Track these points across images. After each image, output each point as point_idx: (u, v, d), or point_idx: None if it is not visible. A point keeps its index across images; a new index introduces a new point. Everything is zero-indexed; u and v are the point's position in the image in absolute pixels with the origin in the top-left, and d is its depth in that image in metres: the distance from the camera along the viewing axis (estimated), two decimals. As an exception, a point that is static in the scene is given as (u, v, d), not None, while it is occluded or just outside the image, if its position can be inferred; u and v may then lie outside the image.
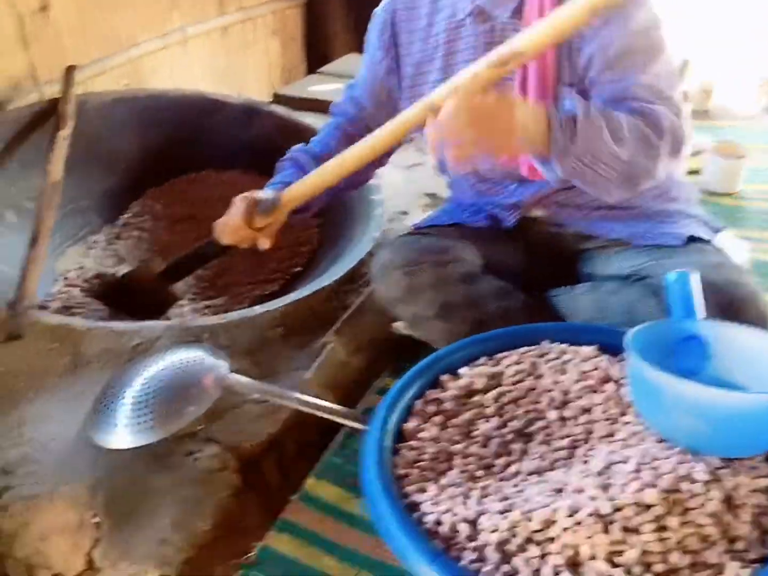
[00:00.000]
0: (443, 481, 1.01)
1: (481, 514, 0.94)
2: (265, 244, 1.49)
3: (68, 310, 1.85)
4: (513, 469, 1.04)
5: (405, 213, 2.18)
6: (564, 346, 1.22)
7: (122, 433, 1.30)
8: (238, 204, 1.47)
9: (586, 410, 1.11)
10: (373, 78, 1.52)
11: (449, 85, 1.22)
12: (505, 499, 0.97)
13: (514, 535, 0.90)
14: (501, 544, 0.90)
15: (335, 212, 2.07)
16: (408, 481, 1.02)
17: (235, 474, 1.33)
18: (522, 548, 0.90)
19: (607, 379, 1.14)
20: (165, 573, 1.18)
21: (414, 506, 0.98)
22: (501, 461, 1.05)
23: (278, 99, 2.90)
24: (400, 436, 1.10)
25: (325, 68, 3.23)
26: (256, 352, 1.59)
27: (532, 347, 1.23)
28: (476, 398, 1.15)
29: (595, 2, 1.09)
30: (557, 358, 1.19)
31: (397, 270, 1.41)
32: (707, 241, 1.37)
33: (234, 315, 1.66)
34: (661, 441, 1.01)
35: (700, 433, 0.96)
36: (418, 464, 1.04)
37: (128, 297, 1.88)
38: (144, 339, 1.56)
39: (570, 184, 1.27)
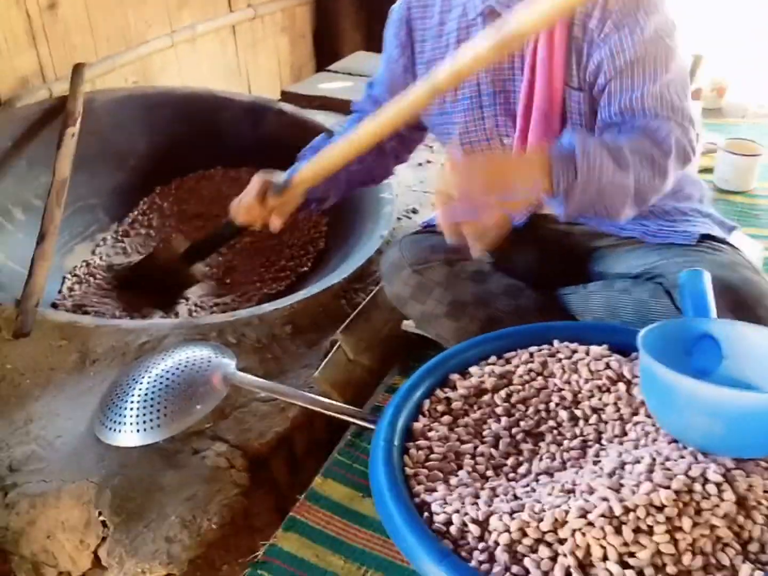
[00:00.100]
0: (452, 481, 1.00)
1: (490, 514, 0.93)
2: (276, 223, 1.49)
3: (81, 308, 1.86)
4: (523, 469, 1.03)
5: (415, 211, 2.17)
6: (575, 345, 1.20)
7: (130, 432, 1.30)
8: (254, 183, 1.49)
9: (597, 410, 1.10)
10: (390, 76, 1.51)
11: (451, 62, 1.20)
12: (515, 499, 0.96)
13: (524, 536, 0.89)
14: (511, 545, 0.89)
15: (344, 210, 2.06)
16: (417, 481, 1.01)
17: (242, 472, 1.33)
18: (532, 549, 0.88)
19: (618, 379, 1.13)
20: (171, 571, 1.18)
21: (423, 506, 0.97)
22: (511, 461, 1.04)
23: (287, 97, 2.90)
24: (409, 436, 1.09)
25: (334, 66, 3.22)
26: (264, 350, 1.59)
27: (543, 346, 1.21)
28: (486, 397, 1.14)
29: None
30: (568, 357, 1.18)
31: (406, 268, 1.40)
32: (721, 240, 1.35)
33: (242, 313, 1.66)
34: (673, 441, 1.00)
35: (713, 433, 0.94)
36: (427, 464, 1.03)
37: (150, 277, 1.92)
38: (152, 337, 1.56)
39: None
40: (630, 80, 1.22)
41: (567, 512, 0.89)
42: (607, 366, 1.14)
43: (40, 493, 1.25)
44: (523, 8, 1.08)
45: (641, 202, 1.20)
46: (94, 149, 2.09)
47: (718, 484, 0.90)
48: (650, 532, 0.86)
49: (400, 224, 2.07)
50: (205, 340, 1.55)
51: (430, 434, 1.08)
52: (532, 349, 1.21)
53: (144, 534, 1.21)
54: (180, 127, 2.32)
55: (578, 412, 1.10)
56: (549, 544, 0.88)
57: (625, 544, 0.85)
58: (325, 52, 3.39)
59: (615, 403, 1.09)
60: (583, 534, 0.87)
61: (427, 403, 1.13)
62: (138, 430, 1.30)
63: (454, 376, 1.18)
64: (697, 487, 0.89)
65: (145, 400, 1.31)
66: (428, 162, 2.46)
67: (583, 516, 0.88)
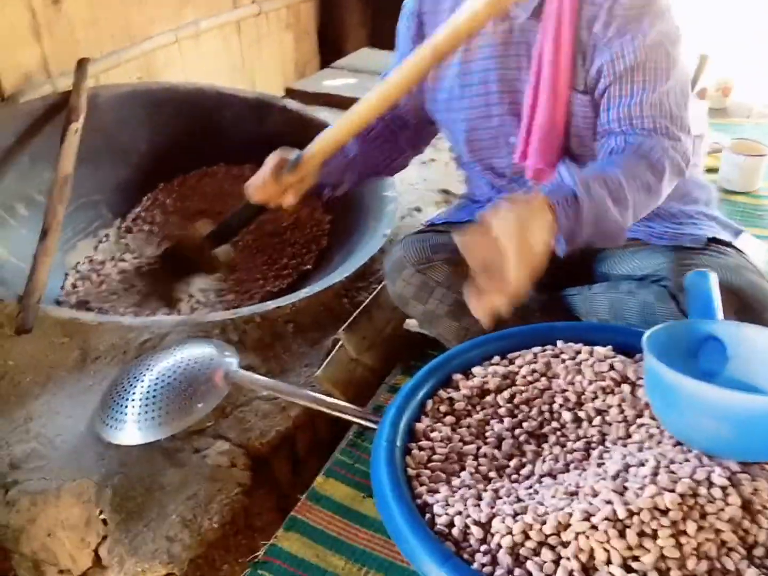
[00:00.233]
0: (455, 482, 1.00)
1: (493, 516, 0.92)
2: (290, 201, 1.49)
3: (84, 305, 1.86)
4: (526, 470, 1.02)
5: (418, 209, 2.17)
6: (579, 345, 1.20)
7: (130, 429, 1.29)
8: (269, 161, 1.48)
9: (601, 411, 1.09)
10: None
11: (449, 23, 1.21)
12: (518, 501, 0.95)
13: (527, 539, 0.89)
14: (514, 548, 0.88)
15: (347, 208, 2.06)
16: (419, 482, 1.00)
17: (243, 471, 1.33)
18: (535, 552, 0.88)
19: (622, 380, 1.12)
20: (172, 571, 1.17)
21: (425, 507, 0.96)
22: (514, 463, 1.04)
23: (291, 93, 2.89)
24: (412, 436, 1.08)
25: (338, 62, 3.22)
26: (266, 349, 1.59)
27: (547, 347, 1.21)
28: (489, 398, 1.13)
29: None
30: (572, 358, 1.17)
31: (409, 268, 1.40)
32: (727, 244, 1.35)
33: (244, 310, 1.65)
34: (677, 444, 0.99)
35: (718, 436, 0.94)
36: (430, 465, 1.03)
37: (179, 262, 1.97)
38: (153, 334, 1.55)
39: None
40: (629, 86, 1.22)
41: (570, 515, 0.88)
42: (612, 367, 1.14)
43: (41, 491, 1.25)
44: None
45: (634, 221, 1.20)
46: (97, 145, 2.08)
47: (723, 488, 0.89)
48: (654, 535, 0.86)
49: (403, 222, 2.06)
50: (207, 337, 1.54)
51: (432, 435, 1.08)
52: (536, 349, 1.20)
53: (144, 533, 1.21)
54: (183, 124, 2.31)
55: (582, 414, 1.09)
56: (552, 547, 0.87)
57: (629, 547, 0.85)
58: (330, 48, 3.38)
59: (619, 405, 1.08)
60: (587, 537, 0.86)
61: (429, 404, 1.13)
62: (139, 428, 1.29)
63: (457, 377, 1.17)
64: (702, 490, 0.89)
65: (146, 398, 1.31)
66: (432, 160, 2.45)
67: (587, 519, 0.87)
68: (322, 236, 2.18)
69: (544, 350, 1.20)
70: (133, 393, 1.32)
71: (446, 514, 0.94)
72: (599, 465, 0.99)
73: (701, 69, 2.70)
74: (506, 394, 1.13)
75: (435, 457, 1.04)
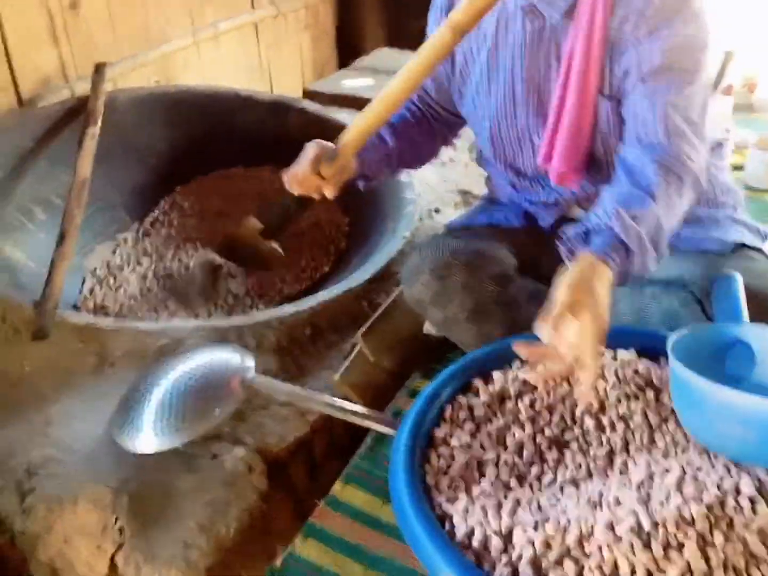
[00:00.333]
0: (475, 490, 0.98)
1: (514, 526, 0.90)
2: (330, 192, 1.46)
3: (102, 309, 1.85)
4: (547, 478, 1.00)
5: (437, 210, 2.15)
6: (602, 349, 1.17)
7: (148, 436, 1.28)
8: (307, 154, 1.46)
9: (625, 418, 1.06)
10: None
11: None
12: (540, 510, 0.93)
13: (548, 549, 0.87)
14: (535, 559, 0.86)
15: (366, 210, 2.04)
16: (438, 490, 0.98)
17: (261, 477, 1.31)
18: (558, 563, 0.86)
19: (647, 385, 1.10)
20: (189, 578, 1.16)
21: (444, 517, 0.95)
22: (535, 470, 1.01)
23: (309, 95, 2.88)
24: (430, 442, 1.07)
25: (356, 63, 3.20)
26: (283, 353, 1.57)
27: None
28: (509, 404, 1.11)
29: None
30: (594, 363, 1.15)
31: (427, 273, 1.37)
32: (754, 248, 1.33)
33: (262, 315, 1.64)
34: (704, 451, 0.97)
35: (746, 443, 0.91)
36: (449, 473, 1.01)
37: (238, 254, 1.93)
38: (170, 339, 1.54)
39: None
40: (652, 87, 1.20)
41: (593, 525, 0.86)
42: (636, 372, 1.12)
43: (58, 498, 1.24)
44: None
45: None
46: (115, 148, 2.08)
47: (751, 498, 0.87)
48: (680, 547, 0.83)
49: (422, 224, 2.04)
50: (225, 342, 1.53)
51: (452, 441, 1.06)
52: (558, 353, 1.18)
53: (161, 539, 1.20)
54: (201, 126, 2.31)
55: (605, 420, 1.06)
56: (575, 559, 0.85)
57: (654, 559, 0.83)
58: (348, 49, 3.37)
59: (643, 411, 1.06)
60: (610, 548, 0.84)
61: (449, 410, 1.11)
62: (156, 435, 1.28)
63: (477, 382, 1.15)
64: (730, 500, 0.87)
65: (163, 404, 1.30)
66: (451, 161, 2.43)
67: (611, 529, 0.85)
68: (340, 238, 2.17)
69: (565, 354, 1.18)
70: (150, 399, 1.31)
71: (466, 524, 0.92)
72: (623, 473, 0.97)
73: (727, 65, 2.66)
74: (527, 400, 1.11)
75: (454, 465, 1.02)
